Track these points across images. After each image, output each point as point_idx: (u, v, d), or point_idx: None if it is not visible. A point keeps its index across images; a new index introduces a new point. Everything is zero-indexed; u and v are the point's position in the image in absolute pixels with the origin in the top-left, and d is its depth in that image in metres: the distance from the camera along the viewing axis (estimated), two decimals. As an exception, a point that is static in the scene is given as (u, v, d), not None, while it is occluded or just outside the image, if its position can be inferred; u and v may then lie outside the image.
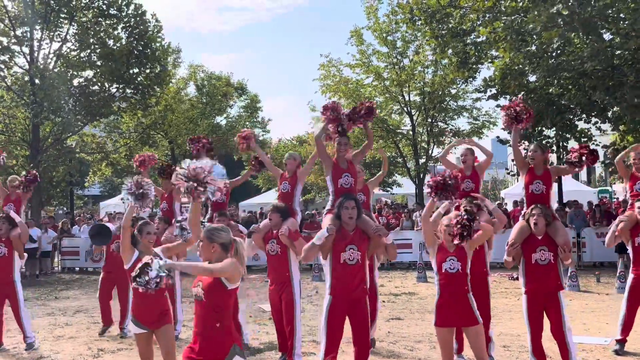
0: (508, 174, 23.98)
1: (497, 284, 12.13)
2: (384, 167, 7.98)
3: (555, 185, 14.80)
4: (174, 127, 26.82)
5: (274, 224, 6.41)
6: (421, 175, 23.72)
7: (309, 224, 16.60)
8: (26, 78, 20.43)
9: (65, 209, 28.92)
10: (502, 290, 11.66)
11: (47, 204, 26.90)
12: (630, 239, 6.81)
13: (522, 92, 15.54)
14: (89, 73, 21.35)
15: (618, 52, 13.63)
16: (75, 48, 21.02)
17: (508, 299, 10.57)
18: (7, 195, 8.15)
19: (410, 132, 24.05)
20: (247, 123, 29.69)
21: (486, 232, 5.20)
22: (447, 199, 5.14)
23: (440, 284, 5.08)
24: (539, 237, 5.64)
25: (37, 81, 19.78)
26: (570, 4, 12.17)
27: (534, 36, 13.96)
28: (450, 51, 16.54)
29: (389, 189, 27.84)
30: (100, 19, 20.88)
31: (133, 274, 3.72)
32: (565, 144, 17.48)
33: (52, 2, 19.92)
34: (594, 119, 16.47)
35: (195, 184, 4.18)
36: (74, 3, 20.17)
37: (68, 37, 20.75)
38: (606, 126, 17.19)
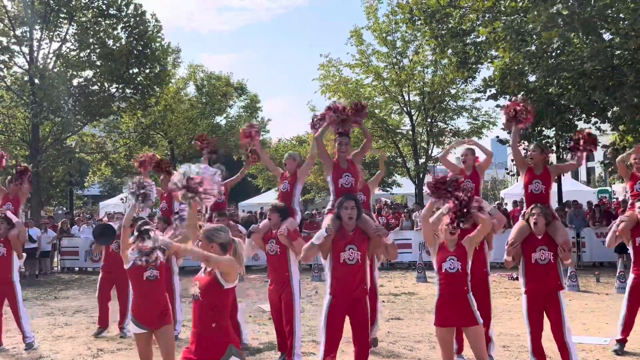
0: (508, 174, 24.01)
1: (496, 284, 12.12)
2: (381, 167, 8.20)
3: (554, 186, 14.80)
4: (173, 127, 26.82)
5: (273, 224, 6.41)
6: (421, 175, 23.72)
7: (308, 223, 16.59)
8: (26, 78, 20.43)
9: (64, 208, 28.96)
10: (501, 290, 11.65)
11: (46, 204, 26.92)
12: (631, 239, 6.80)
13: (522, 92, 15.54)
14: (88, 73, 21.37)
15: (618, 52, 13.65)
16: (75, 48, 21.03)
17: (508, 299, 10.56)
18: (5, 194, 8.14)
19: (410, 132, 24.05)
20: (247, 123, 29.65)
21: (485, 225, 5.10)
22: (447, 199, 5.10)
23: (440, 283, 5.06)
24: (539, 237, 5.64)
25: (36, 81, 19.78)
26: (570, 4, 12.18)
27: (534, 36, 13.98)
28: (449, 51, 16.56)
29: (388, 189, 27.84)
30: (99, 18, 20.88)
31: (132, 237, 3.73)
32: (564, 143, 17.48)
33: (52, 2, 19.93)
34: (593, 119, 16.47)
35: (190, 195, 4.16)
36: (73, 3, 20.17)
37: (68, 37, 20.77)
38: (606, 126, 17.20)
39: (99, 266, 9.05)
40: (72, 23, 20.63)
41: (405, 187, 28.44)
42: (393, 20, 21.98)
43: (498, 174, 49.29)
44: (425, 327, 8.24)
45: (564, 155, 17.58)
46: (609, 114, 15.70)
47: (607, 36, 14.04)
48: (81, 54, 20.94)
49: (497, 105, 17.42)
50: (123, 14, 21.01)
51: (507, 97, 15.98)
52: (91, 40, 20.65)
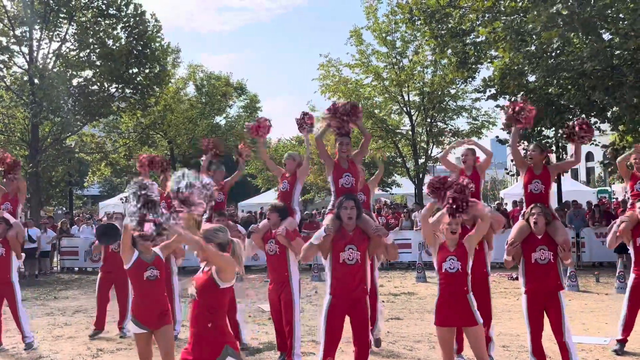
0: (507, 174, 24.03)
1: (496, 283, 12.12)
2: (380, 166, 8.55)
3: (554, 186, 14.80)
4: (173, 127, 26.81)
5: (272, 224, 6.40)
6: (420, 176, 23.72)
7: (308, 223, 16.59)
8: (25, 78, 20.42)
9: (64, 208, 28.95)
10: (501, 290, 11.65)
11: (46, 204, 26.90)
12: (631, 239, 6.80)
13: (522, 92, 15.55)
14: (88, 73, 21.36)
15: (617, 52, 13.65)
16: (75, 48, 21.02)
17: (507, 299, 10.56)
18: (5, 193, 8.13)
19: (410, 132, 24.03)
20: (247, 123, 29.63)
21: (484, 220, 5.07)
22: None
23: (441, 283, 5.06)
24: (539, 237, 5.63)
25: (36, 81, 19.77)
26: (570, 4, 12.19)
27: (534, 36, 13.98)
28: (449, 51, 16.55)
29: (388, 189, 27.83)
30: (99, 18, 20.88)
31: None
32: (564, 143, 17.48)
33: (52, 1, 19.92)
34: (593, 119, 16.44)
35: (181, 206, 4.13)
36: (73, 3, 20.16)
37: (67, 37, 20.76)
38: (605, 126, 17.20)
39: (99, 266, 9.04)
40: (72, 23, 20.62)
41: (404, 187, 28.43)
42: (393, 20, 21.98)
43: (498, 174, 49.30)
44: (425, 327, 8.24)
45: (563, 155, 17.61)
46: (609, 114, 15.70)
47: (606, 36, 14.05)
48: (81, 54, 20.94)
49: (497, 106, 17.42)
50: (123, 14, 21.01)
51: (507, 97, 15.98)
52: (91, 40, 20.64)
